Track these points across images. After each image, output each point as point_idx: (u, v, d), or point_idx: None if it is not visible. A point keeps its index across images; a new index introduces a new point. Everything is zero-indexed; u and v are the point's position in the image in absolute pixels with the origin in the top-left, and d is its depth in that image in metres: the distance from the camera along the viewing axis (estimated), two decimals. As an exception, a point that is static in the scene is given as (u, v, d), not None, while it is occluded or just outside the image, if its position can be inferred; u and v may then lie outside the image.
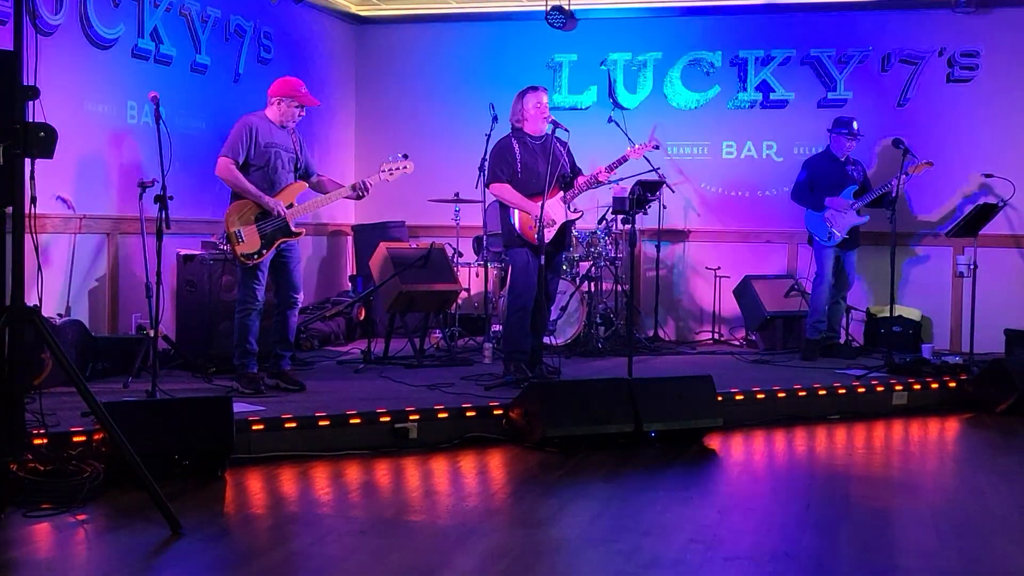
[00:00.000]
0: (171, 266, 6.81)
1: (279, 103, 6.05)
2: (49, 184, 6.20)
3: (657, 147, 7.36)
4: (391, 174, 6.21)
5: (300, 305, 6.24)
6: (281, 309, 6.12)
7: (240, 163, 5.93)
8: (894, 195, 7.46)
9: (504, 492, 4.68)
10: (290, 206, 6.00)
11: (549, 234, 6.23)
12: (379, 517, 4.18)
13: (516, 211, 6.30)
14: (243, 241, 5.87)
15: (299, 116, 6.12)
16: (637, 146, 6.64)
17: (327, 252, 9.46)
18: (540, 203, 6.12)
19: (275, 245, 5.95)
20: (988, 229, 7.78)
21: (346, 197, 6.23)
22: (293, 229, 6.01)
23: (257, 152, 5.96)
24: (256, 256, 5.90)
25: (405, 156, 6.26)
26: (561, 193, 6.37)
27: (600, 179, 6.40)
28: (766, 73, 8.93)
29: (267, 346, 6.24)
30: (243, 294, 5.99)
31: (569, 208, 6.42)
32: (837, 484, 4.91)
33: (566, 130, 6.33)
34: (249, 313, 5.97)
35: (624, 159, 6.44)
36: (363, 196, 6.20)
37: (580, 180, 6.43)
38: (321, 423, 5.21)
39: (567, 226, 6.47)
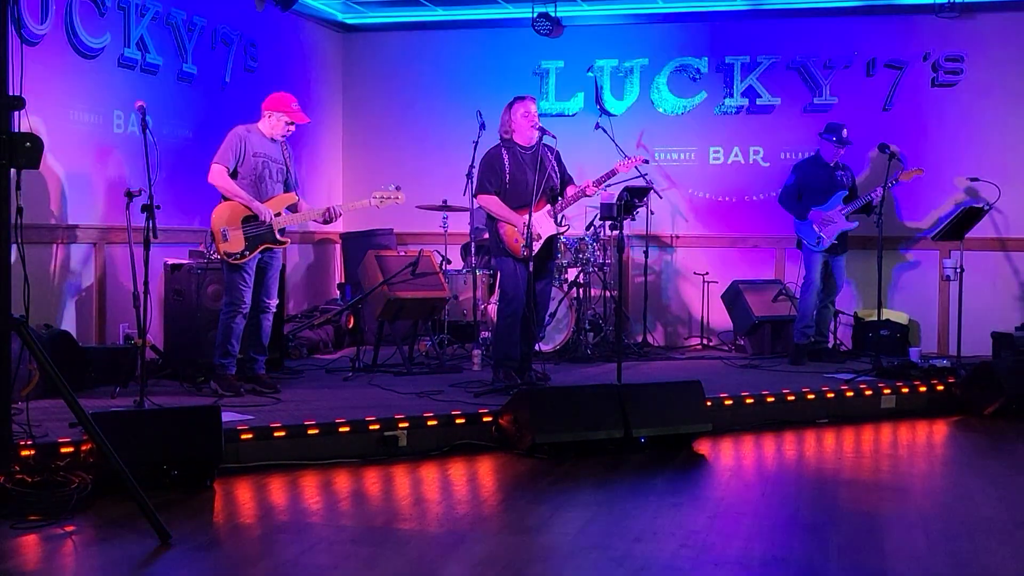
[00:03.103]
0: (158, 275, 6.79)
1: (270, 117, 6.17)
2: (36, 194, 6.20)
3: (647, 161, 7.37)
4: (381, 201, 6.34)
5: (273, 311, 6.32)
6: (255, 314, 6.17)
7: (230, 171, 6.03)
8: (875, 203, 7.51)
9: (494, 499, 4.68)
10: (277, 215, 6.10)
11: (535, 248, 6.22)
12: (369, 525, 4.17)
13: (502, 223, 6.31)
14: (227, 240, 5.98)
15: (289, 131, 6.22)
16: (626, 159, 6.65)
17: (315, 260, 9.45)
18: (527, 215, 6.12)
19: (258, 249, 6.04)
20: (974, 232, 7.82)
21: (315, 220, 6.33)
22: (279, 237, 6.10)
23: (246, 161, 6.07)
24: (239, 256, 6.00)
25: (398, 188, 6.39)
26: (548, 206, 6.38)
27: (588, 193, 6.42)
28: (752, 79, 8.97)
29: (240, 351, 6.25)
30: (230, 296, 6.08)
31: (556, 220, 6.43)
32: (826, 488, 4.92)
33: (553, 137, 6.35)
34: (235, 315, 6.05)
35: (613, 173, 6.46)
36: (331, 221, 6.31)
37: (568, 192, 6.44)
38: (310, 431, 5.20)
39: (554, 238, 6.48)
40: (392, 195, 6.34)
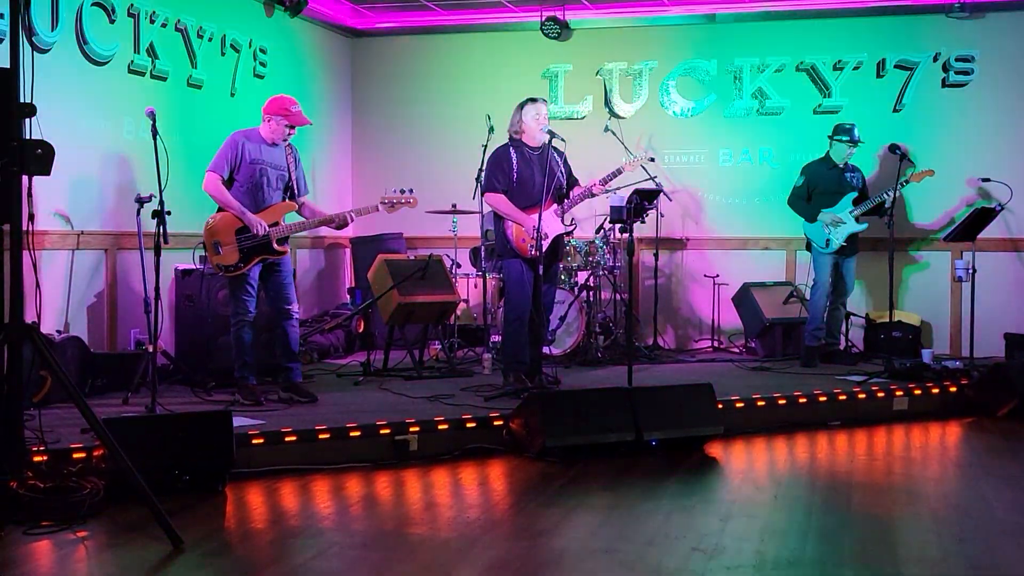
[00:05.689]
0: (169, 281, 6.81)
1: (270, 120, 6.06)
2: (47, 201, 6.21)
3: (652, 159, 7.36)
4: (391, 207, 6.20)
5: (297, 316, 6.21)
6: (278, 322, 6.11)
7: (225, 178, 5.97)
8: (888, 205, 7.48)
9: (505, 503, 4.67)
10: (275, 224, 6.00)
11: (543, 247, 6.22)
12: (380, 530, 4.17)
13: (510, 223, 6.31)
14: (220, 253, 5.92)
15: (289, 135, 6.09)
16: (632, 159, 6.65)
17: (325, 265, 9.46)
18: (535, 215, 6.12)
19: (254, 261, 5.97)
20: (986, 233, 7.79)
21: (326, 224, 6.20)
22: (276, 248, 6.01)
23: (243, 169, 5.99)
24: (232, 269, 5.93)
25: (410, 191, 6.24)
26: (555, 206, 6.38)
27: (594, 192, 6.42)
28: (761, 80, 8.95)
29: (272, 359, 6.24)
30: (234, 307, 6.03)
31: (563, 220, 6.42)
32: (839, 491, 4.90)
33: (563, 140, 6.35)
34: (242, 326, 6.00)
35: (619, 172, 6.46)
36: (344, 227, 6.21)
37: (574, 192, 6.44)
38: (321, 436, 5.21)
39: (560, 238, 6.48)
40: (403, 199, 6.20)
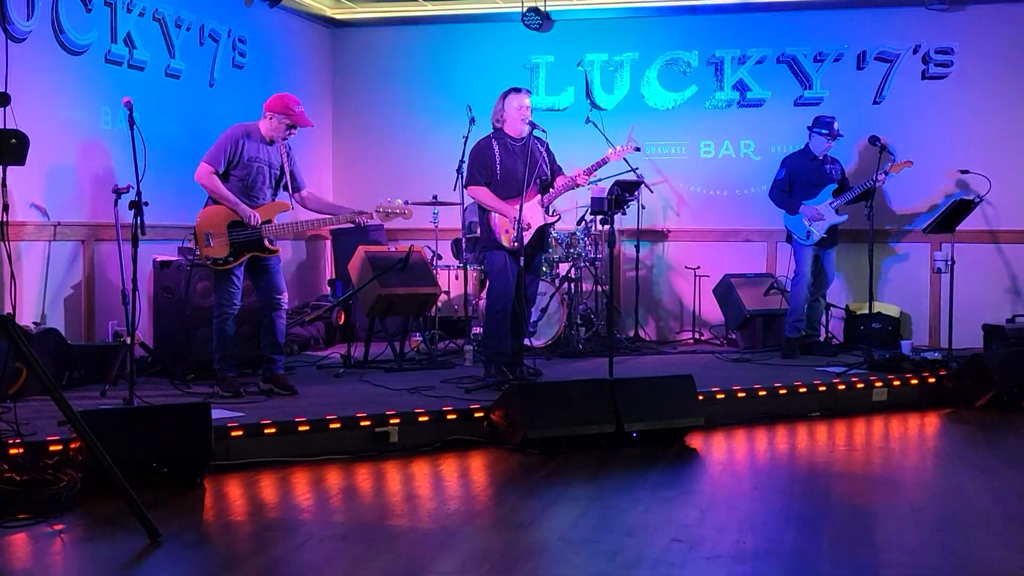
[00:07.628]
0: (147, 272, 6.77)
1: (271, 118, 5.99)
2: (22, 191, 6.16)
3: (638, 149, 7.35)
4: (387, 216, 6.15)
5: (286, 307, 6.17)
6: (266, 312, 6.07)
7: (220, 172, 5.91)
8: (875, 186, 7.48)
9: (486, 494, 4.66)
10: (267, 222, 5.96)
11: (526, 238, 6.21)
12: (360, 522, 4.16)
13: (494, 214, 6.30)
14: (210, 245, 5.87)
15: (289, 135, 6.04)
16: (617, 148, 6.64)
17: (306, 256, 9.42)
18: (518, 206, 6.11)
19: (244, 257, 5.92)
20: (965, 225, 7.83)
21: (347, 222, 6.18)
22: (268, 246, 5.97)
23: (239, 165, 5.94)
24: (222, 263, 5.88)
25: (406, 202, 6.19)
26: (539, 196, 6.36)
27: (578, 182, 6.40)
28: (742, 72, 8.96)
29: (255, 351, 6.20)
30: (218, 298, 5.99)
31: (547, 211, 6.41)
32: (818, 481, 4.92)
33: (543, 131, 6.34)
34: (225, 318, 5.96)
35: (604, 161, 6.44)
36: (362, 225, 6.20)
37: (558, 182, 6.42)
38: (301, 428, 5.18)
39: (544, 228, 6.47)
40: (398, 210, 6.12)
